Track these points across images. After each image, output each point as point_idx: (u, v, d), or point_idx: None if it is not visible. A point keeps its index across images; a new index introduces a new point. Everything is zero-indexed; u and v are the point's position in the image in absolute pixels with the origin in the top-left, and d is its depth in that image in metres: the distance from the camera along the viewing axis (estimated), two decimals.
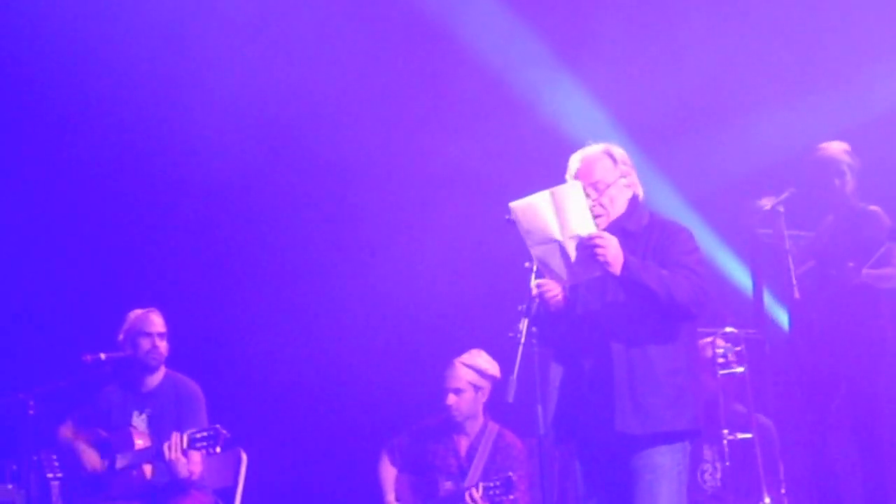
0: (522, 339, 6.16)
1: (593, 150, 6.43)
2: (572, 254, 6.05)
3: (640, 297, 6.11)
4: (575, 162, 6.42)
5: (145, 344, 8.46)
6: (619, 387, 6.16)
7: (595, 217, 6.20)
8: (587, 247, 6.01)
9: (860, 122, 9.84)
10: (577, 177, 6.34)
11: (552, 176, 6.59)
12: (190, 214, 10.40)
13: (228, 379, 9.90)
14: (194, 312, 9.67)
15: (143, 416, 8.44)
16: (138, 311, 8.55)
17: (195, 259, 10.39)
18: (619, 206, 6.36)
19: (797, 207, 9.10)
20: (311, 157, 10.40)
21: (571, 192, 6.05)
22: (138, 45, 10.02)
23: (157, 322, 8.51)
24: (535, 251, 6.14)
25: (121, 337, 8.51)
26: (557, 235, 6.05)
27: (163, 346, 8.49)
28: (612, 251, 6.01)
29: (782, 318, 9.24)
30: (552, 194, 6.04)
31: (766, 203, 9.07)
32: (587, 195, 6.19)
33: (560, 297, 6.24)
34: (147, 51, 10.03)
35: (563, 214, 6.02)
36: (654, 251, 6.28)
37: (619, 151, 6.45)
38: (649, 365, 6.18)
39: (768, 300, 9.28)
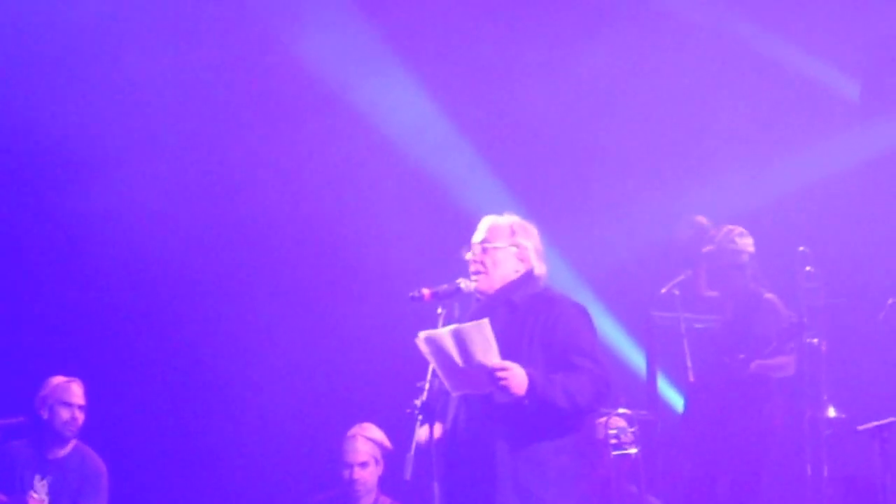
0: (420, 415, 6.19)
1: (501, 218, 6.55)
2: (475, 376, 6.10)
3: (544, 411, 6.13)
4: (480, 224, 6.53)
5: (64, 414, 8.33)
6: (501, 468, 6.19)
7: (474, 273, 6.37)
8: (492, 378, 6.06)
9: (758, 204, 10.02)
10: (475, 236, 6.48)
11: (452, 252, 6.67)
12: (87, 283, 10.28)
13: (129, 450, 9.78)
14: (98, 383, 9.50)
15: (45, 483, 8.30)
16: (60, 379, 8.41)
17: (100, 329, 10.23)
18: (502, 272, 6.42)
19: (693, 291, 9.23)
20: (224, 227, 10.34)
21: (477, 331, 6.08)
22: (58, 104, 9.94)
23: (77, 393, 8.38)
24: (438, 369, 6.18)
25: (38, 401, 8.37)
26: (461, 364, 6.10)
27: (80, 418, 8.36)
28: (517, 381, 6.05)
29: (676, 400, 9.32)
30: (455, 333, 6.09)
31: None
32: (473, 253, 6.40)
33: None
34: (70, 114, 9.94)
35: (467, 350, 6.07)
36: (544, 328, 6.30)
37: (524, 227, 6.54)
38: (533, 446, 6.20)
39: (662, 382, 9.36)
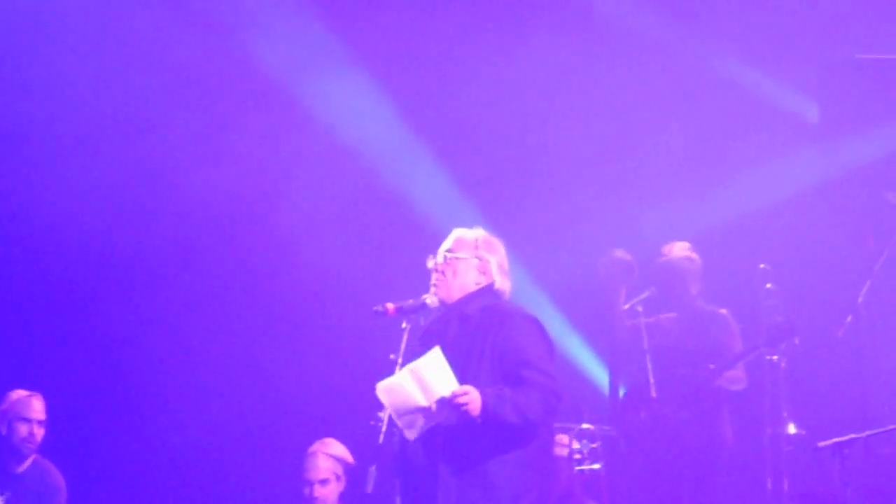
0: (384, 428, 6.26)
1: (469, 231, 6.66)
2: (435, 410, 6.19)
3: (495, 425, 6.21)
4: (449, 235, 6.64)
5: (22, 430, 8.24)
6: (446, 479, 6.27)
7: (434, 282, 6.46)
8: (452, 405, 6.15)
9: (719, 222, 10.08)
10: (442, 245, 6.56)
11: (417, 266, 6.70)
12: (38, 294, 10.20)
13: (89, 465, 9.71)
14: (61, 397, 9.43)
15: (3, 498, 8.22)
16: (21, 393, 8.32)
17: (62, 343, 10.14)
18: (461, 282, 6.51)
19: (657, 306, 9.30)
20: (184, 240, 10.26)
21: (431, 361, 6.18)
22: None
23: (37, 408, 8.29)
24: (399, 419, 6.25)
25: None
26: (423, 402, 6.19)
27: (40, 433, 8.28)
28: (475, 404, 6.15)
29: (633, 414, 9.34)
30: (413, 371, 6.19)
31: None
32: (435, 261, 6.50)
33: None
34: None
35: (428, 384, 6.17)
36: (496, 341, 6.38)
37: (490, 241, 6.65)
38: (478, 459, 6.27)
39: (625, 397, 9.39)
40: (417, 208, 10.25)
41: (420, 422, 6.23)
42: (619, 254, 9.32)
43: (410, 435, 6.27)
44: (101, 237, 10.11)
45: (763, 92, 10.57)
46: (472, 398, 6.13)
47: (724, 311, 9.30)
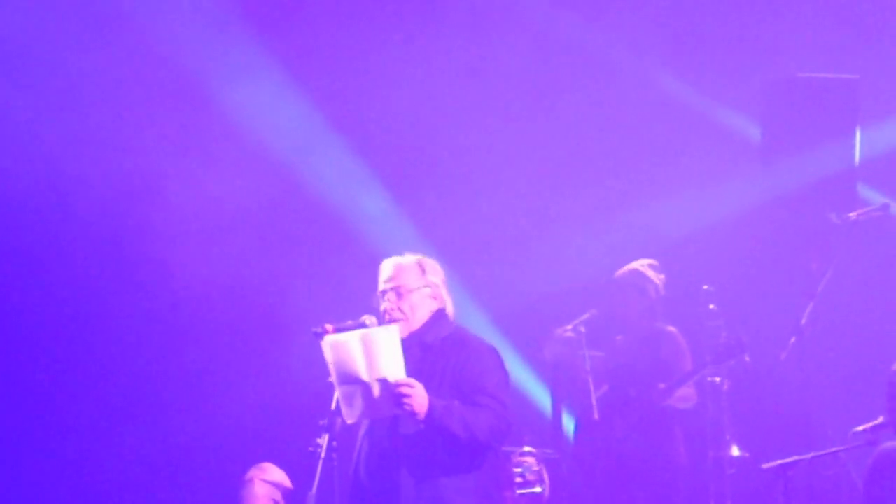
0: (323, 454, 6.19)
1: (406, 258, 6.57)
2: (376, 394, 6.14)
3: (441, 436, 6.17)
4: (386, 267, 6.54)
5: None
6: None
7: (394, 321, 6.37)
8: (394, 393, 6.10)
9: (661, 242, 10.07)
10: (385, 281, 6.49)
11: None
12: None
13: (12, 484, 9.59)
14: None
15: None
16: None
17: None
18: (420, 315, 6.47)
19: (599, 329, 9.25)
20: (116, 256, 10.12)
21: (386, 335, 6.15)
22: None
23: None
24: (339, 387, 6.19)
25: None
26: (364, 376, 6.13)
27: None
28: (419, 400, 6.12)
29: (580, 438, 9.30)
30: (363, 337, 6.15)
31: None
32: (389, 300, 6.41)
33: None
34: None
35: (374, 357, 6.12)
36: (455, 368, 6.36)
37: (431, 263, 6.60)
38: (436, 487, 6.25)
39: (567, 420, 9.36)
40: (354, 225, 10.19)
41: (360, 403, 6.16)
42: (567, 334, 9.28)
43: (349, 417, 6.21)
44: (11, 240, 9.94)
45: (705, 111, 10.58)
46: (417, 394, 6.08)
47: (672, 328, 9.28)
